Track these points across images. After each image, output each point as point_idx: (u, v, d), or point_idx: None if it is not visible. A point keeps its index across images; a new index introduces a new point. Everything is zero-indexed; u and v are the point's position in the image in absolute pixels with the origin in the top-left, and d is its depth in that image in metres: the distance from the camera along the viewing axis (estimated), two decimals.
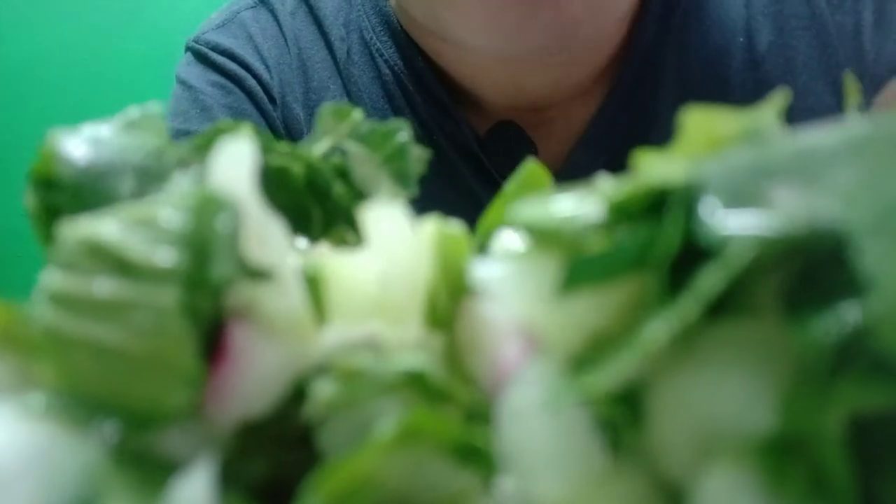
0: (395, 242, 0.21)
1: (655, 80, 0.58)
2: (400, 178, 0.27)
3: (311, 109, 0.62)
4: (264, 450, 0.20)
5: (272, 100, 0.63)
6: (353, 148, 0.26)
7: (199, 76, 0.64)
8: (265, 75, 0.63)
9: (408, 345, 0.21)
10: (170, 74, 0.67)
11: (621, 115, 0.58)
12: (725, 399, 0.17)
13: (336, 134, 0.26)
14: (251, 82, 0.63)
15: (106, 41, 1.83)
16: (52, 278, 0.19)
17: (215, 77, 0.64)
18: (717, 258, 0.16)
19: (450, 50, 0.58)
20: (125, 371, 0.19)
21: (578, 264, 0.17)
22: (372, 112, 0.61)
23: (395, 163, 0.27)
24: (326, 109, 0.27)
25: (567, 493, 0.18)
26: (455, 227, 0.21)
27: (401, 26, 0.61)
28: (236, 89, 0.63)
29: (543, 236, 0.18)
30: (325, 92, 0.62)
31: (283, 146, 0.26)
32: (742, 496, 0.17)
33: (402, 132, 0.27)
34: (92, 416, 0.19)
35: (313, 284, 0.21)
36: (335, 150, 0.26)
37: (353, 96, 0.62)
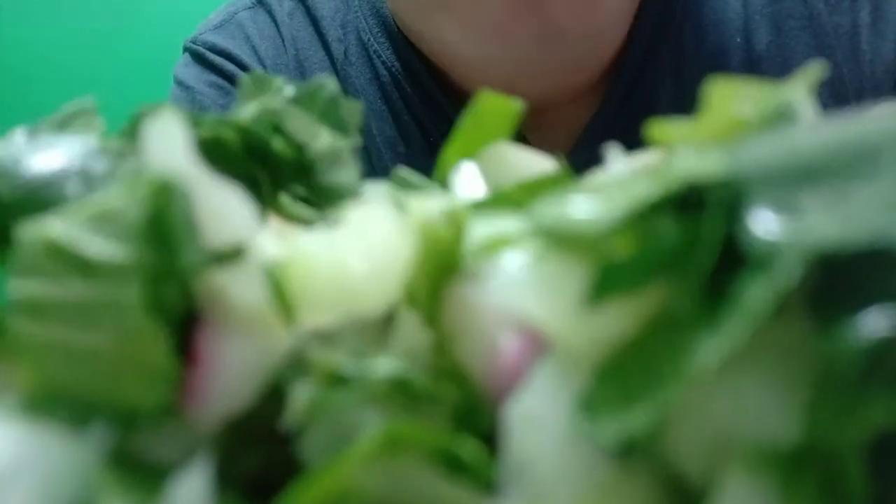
0: (373, 224, 0.19)
1: (653, 81, 0.57)
2: (338, 128, 0.25)
3: None
4: (256, 445, 0.19)
5: None
6: (283, 108, 0.24)
7: (196, 77, 0.62)
8: (262, 76, 0.60)
9: (388, 335, 0.19)
10: (168, 75, 0.65)
11: (619, 117, 0.58)
12: (747, 405, 0.16)
13: (262, 100, 0.24)
14: None
15: (105, 41, 1.77)
16: (15, 284, 0.17)
17: (213, 77, 0.62)
18: (767, 270, 0.15)
19: (446, 53, 0.56)
20: (98, 373, 0.18)
21: (608, 271, 0.16)
22: (369, 112, 0.60)
23: (329, 116, 0.25)
24: (246, 80, 0.26)
25: (577, 502, 0.17)
26: (443, 202, 0.19)
27: (398, 28, 0.59)
28: (233, 89, 0.61)
29: (565, 240, 0.16)
30: None
31: (210, 116, 0.23)
32: (758, 502, 0.16)
33: (328, 86, 0.25)
34: (74, 420, 0.18)
35: (286, 270, 0.18)
36: (264, 112, 0.24)
37: (349, 97, 0.60)
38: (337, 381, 0.18)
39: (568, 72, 0.57)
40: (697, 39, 0.58)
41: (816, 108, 0.17)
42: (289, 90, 0.25)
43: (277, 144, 0.23)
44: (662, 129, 0.17)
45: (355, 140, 0.25)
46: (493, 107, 0.24)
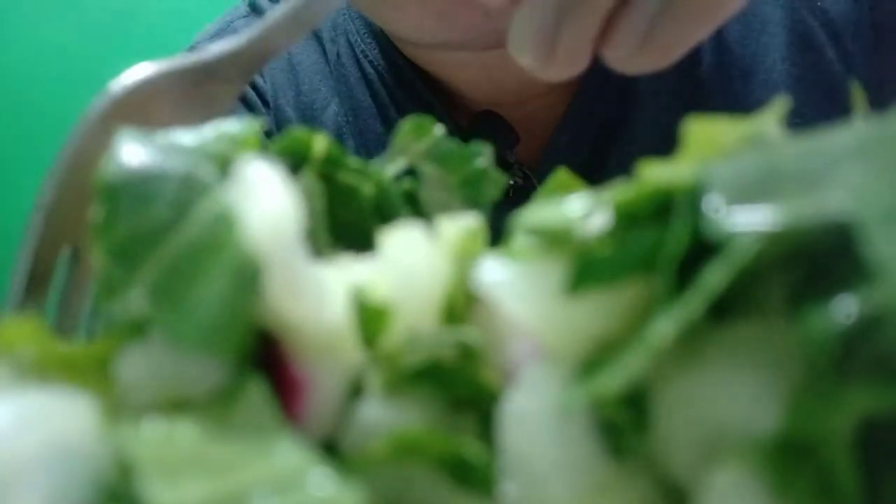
0: (409, 252, 0.21)
1: None
2: (473, 202, 0.26)
3: (302, 111, 0.65)
4: None
5: (265, 103, 0.66)
6: (427, 169, 0.26)
7: None
8: (258, 80, 0.66)
9: None
10: None
11: (600, 95, 0.60)
12: (732, 400, 0.17)
13: (412, 153, 0.26)
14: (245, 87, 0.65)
15: (106, 43, 1.85)
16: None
17: None
18: (722, 253, 0.16)
19: (423, 53, 0.60)
20: None
21: (586, 264, 0.17)
22: (359, 110, 0.64)
23: (470, 187, 0.26)
24: (407, 125, 0.27)
25: (573, 500, 0.17)
26: (470, 221, 0.21)
27: (382, 30, 0.63)
28: None
29: (550, 239, 0.18)
30: (315, 94, 0.66)
31: (355, 162, 0.25)
32: (747, 498, 0.16)
33: (482, 157, 0.26)
34: None
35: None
36: (409, 171, 0.25)
37: (342, 95, 0.65)
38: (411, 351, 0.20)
39: None
40: None
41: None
42: (444, 146, 0.26)
43: (405, 214, 0.25)
44: (648, 166, 0.18)
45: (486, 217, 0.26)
46: (564, 182, 0.25)
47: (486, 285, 0.18)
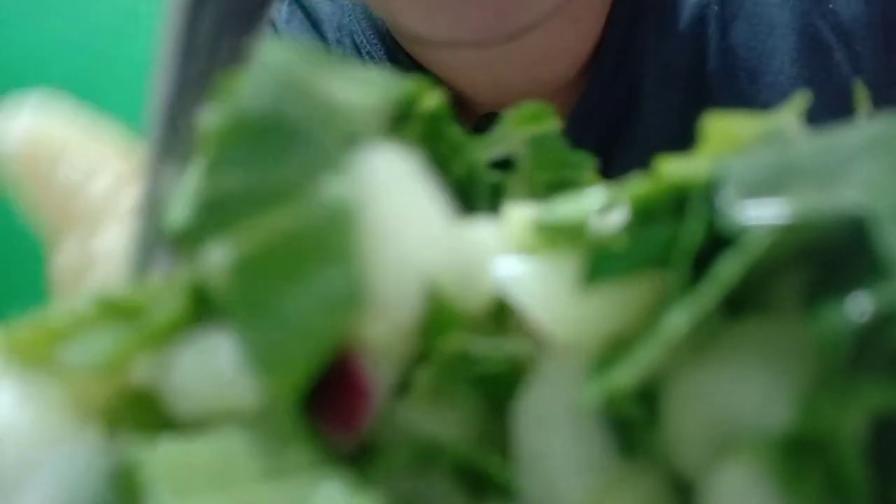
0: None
1: (636, 58, 0.60)
2: (561, 187, 0.23)
3: None
4: None
5: None
6: (522, 159, 0.23)
7: None
8: None
9: None
10: None
11: (605, 97, 0.60)
12: (743, 396, 0.17)
13: (514, 138, 0.24)
14: None
15: (109, 42, 1.82)
16: None
17: None
18: (736, 246, 0.16)
19: (428, 53, 0.60)
20: None
21: (601, 259, 0.17)
22: None
23: (553, 192, 0.23)
24: (520, 111, 0.24)
25: (585, 497, 0.17)
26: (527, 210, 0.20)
27: (388, 30, 0.63)
28: None
29: (565, 234, 0.18)
30: None
31: (457, 133, 0.23)
32: (756, 494, 0.16)
33: (584, 170, 0.24)
34: None
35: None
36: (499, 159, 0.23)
37: None
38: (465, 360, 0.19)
39: (548, 64, 0.58)
40: (675, 14, 0.60)
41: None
42: (549, 141, 0.24)
43: (483, 208, 0.23)
44: (665, 162, 0.18)
45: None
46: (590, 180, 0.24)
47: (501, 280, 0.18)
